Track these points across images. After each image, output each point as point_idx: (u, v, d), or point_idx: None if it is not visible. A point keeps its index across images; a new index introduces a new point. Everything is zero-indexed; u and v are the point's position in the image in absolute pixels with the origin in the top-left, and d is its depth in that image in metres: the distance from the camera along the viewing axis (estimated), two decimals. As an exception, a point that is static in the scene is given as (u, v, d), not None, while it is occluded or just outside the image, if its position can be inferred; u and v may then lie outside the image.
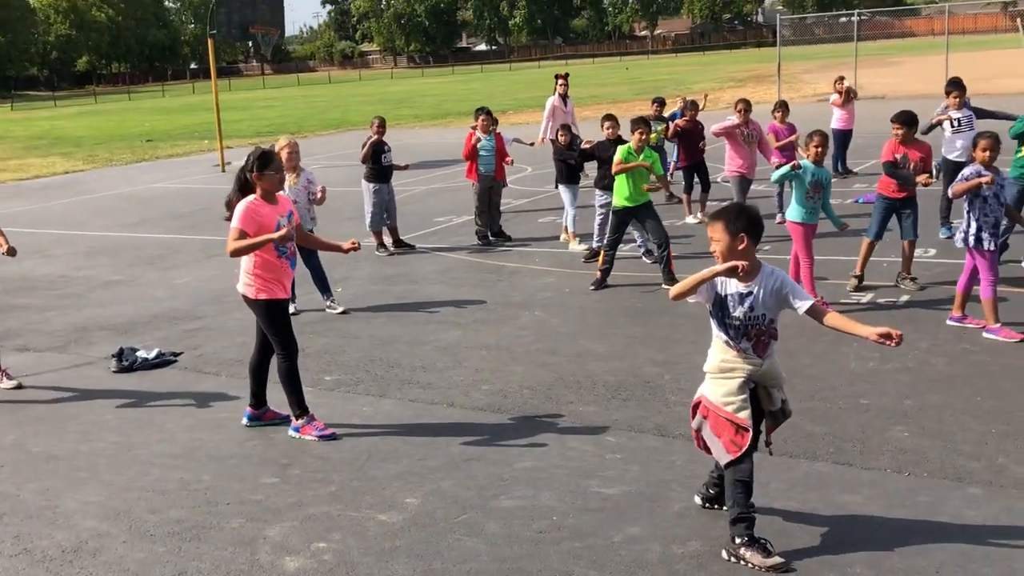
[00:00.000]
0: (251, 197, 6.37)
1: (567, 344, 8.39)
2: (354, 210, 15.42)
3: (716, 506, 5.14)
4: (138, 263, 13.20)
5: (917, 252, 10.53)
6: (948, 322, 8.20)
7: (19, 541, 5.29)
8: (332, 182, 17.67)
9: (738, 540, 4.63)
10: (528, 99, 45.10)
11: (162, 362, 8.48)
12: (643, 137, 10.16)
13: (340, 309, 9.86)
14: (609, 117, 11.48)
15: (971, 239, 7.90)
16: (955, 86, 11.47)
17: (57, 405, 7.57)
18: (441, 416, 6.87)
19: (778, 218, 12.27)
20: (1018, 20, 36.82)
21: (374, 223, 12.68)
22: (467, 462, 6.02)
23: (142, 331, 9.61)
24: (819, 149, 8.99)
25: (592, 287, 10.19)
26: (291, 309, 7.95)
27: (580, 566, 4.70)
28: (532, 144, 15.07)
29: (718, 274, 4.61)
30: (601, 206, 11.36)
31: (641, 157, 10.08)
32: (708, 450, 4.97)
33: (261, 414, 6.80)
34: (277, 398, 6.91)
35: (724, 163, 12.76)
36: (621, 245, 10.61)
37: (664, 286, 9.83)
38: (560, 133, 12.74)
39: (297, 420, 6.56)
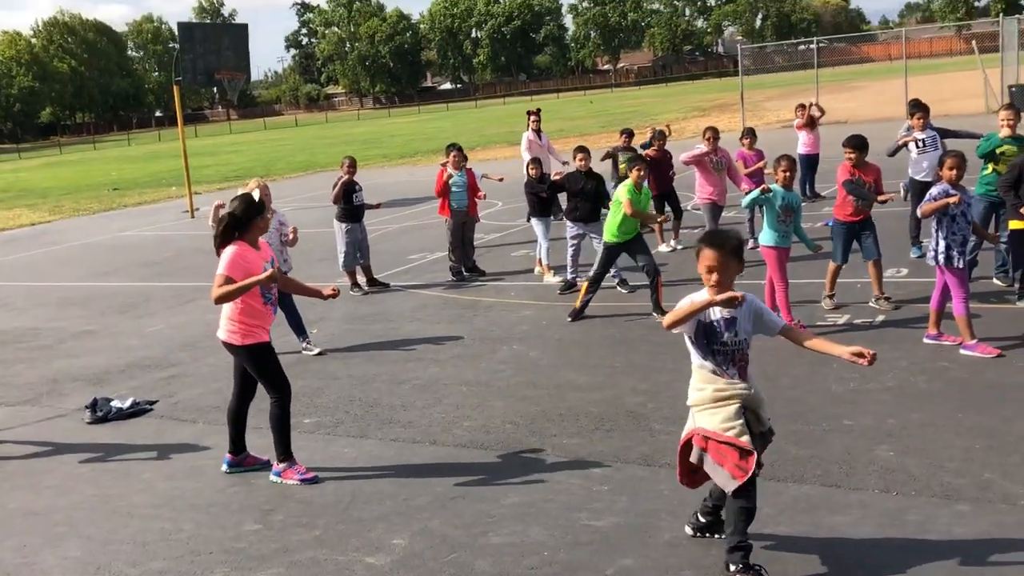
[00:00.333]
0: (236, 244, 6.30)
1: (547, 377, 8.35)
2: (326, 251, 15.36)
3: (708, 535, 5.10)
4: (109, 312, 13.05)
5: (890, 272, 10.65)
6: (925, 340, 8.25)
7: (-4, 601, 5.15)
8: (303, 224, 17.60)
9: (733, 567, 4.59)
10: (496, 135, 45.35)
11: (137, 411, 8.34)
12: (641, 174, 10.21)
13: (316, 351, 9.77)
14: (581, 149, 11.55)
15: (941, 257, 7.97)
16: (919, 108, 11.64)
17: (31, 460, 7.42)
18: (424, 454, 6.79)
19: (750, 243, 12.34)
20: (973, 42, 37.55)
21: (347, 263, 12.63)
22: (453, 500, 5.94)
23: (116, 380, 9.47)
24: (787, 173, 9.07)
25: (569, 318, 10.17)
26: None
27: (573, 601, 4.63)
28: (501, 179, 15.11)
29: (715, 304, 4.57)
30: (572, 238, 11.38)
31: (641, 194, 10.14)
32: (693, 484, 4.96)
33: (241, 460, 6.70)
34: (257, 443, 6.82)
35: (695, 191, 12.85)
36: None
37: (654, 315, 9.85)
38: (531, 166, 12.79)
39: (279, 464, 6.46)
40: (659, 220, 11.64)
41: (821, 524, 5.21)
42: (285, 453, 6.46)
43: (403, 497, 6.04)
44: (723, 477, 4.63)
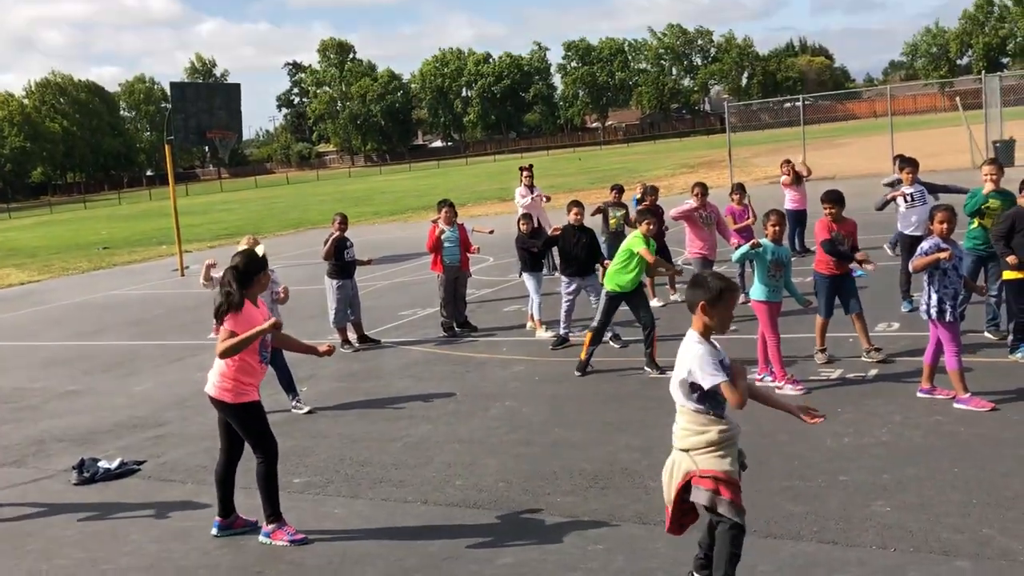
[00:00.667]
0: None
1: (541, 434, 8.28)
2: (316, 308, 15.30)
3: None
4: (96, 372, 12.94)
5: (881, 326, 10.66)
6: (918, 394, 8.22)
7: (-24, 670, 5.01)
8: (294, 280, 17.57)
9: None
10: (487, 191, 45.62)
11: (125, 472, 8.22)
12: (651, 227, 10.28)
13: (306, 409, 9.68)
14: (575, 204, 11.61)
15: (933, 311, 7.97)
16: (908, 162, 11.75)
17: (16, 522, 7.28)
18: (416, 514, 6.69)
19: (741, 298, 12.34)
20: (957, 99, 38.13)
21: (338, 320, 12.57)
22: (446, 561, 5.84)
23: (103, 441, 9.35)
24: (776, 228, 9.11)
25: (578, 373, 10.13)
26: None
27: (569, 664, 4.53)
28: (491, 232, 15.15)
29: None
30: (568, 293, 11.37)
31: (649, 245, 10.20)
32: (680, 531, 4.93)
33: (231, 522, 6.58)
34: (245, 503, 6.71)
35: (685, 246, 12.88)
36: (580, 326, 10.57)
37: (647, 370, 9.81)
38: (522, 222, 12.82)
39: (268, 525, 6.35)
40: (676, 271, 11.75)
41: (820, 582, 5.13)
42: (274, 513, 6.35)
43: (394, 558, 5.94)
44: (735, 511, 4.71)
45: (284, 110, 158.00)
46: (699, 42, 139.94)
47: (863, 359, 9.49)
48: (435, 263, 12.97)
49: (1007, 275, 9.05)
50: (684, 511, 4.88)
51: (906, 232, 11.58)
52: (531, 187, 17.01)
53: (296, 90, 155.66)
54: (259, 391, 6.44)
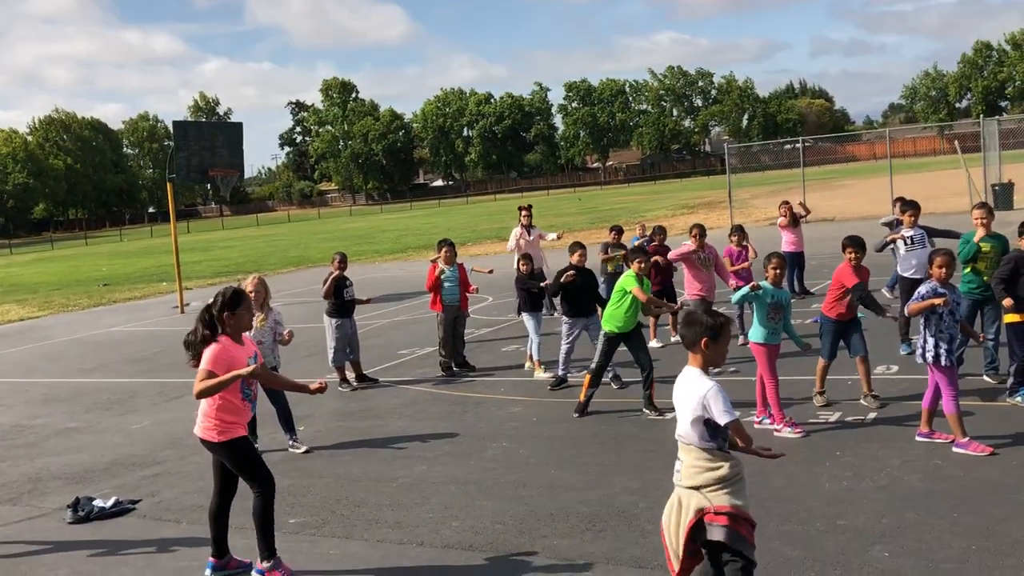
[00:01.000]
0: (219, 339, 6.25)
1: (538, 475, 8.24)
2: (315, 345, 15.30)
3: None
4: (95, 409, 12.90)
5: (879, 369, 10.64)
6: (917, 438, 8.19)
7: None
8: (293, 319, 17.57)
9: None
10: (487, 231, 45.76)
11: (120, 511, 8.18)
12: (643, 266, 10.34)
13: (303, 448, 9.65)
14: (579, 245, 11.64)
15: (929, 355, 7.97)
16: (910, 206, 11.79)
17: (8, 561, 7.23)
18: (411, 556, 6.64)
19: (740, 340, 12.35)
20: (955, 142, 38.37)
21: (336, 359, 12.56)
22: (440, 604, 5.79)
23: (99, 479, 9.31)
24: (777, 271, 9.12)
25: (576, 414, 10.10)
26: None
27: None
28: (491, 272, 15.19)
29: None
30: (568, 335, 11.34)
31: (643, 284, 10.23)
32: (685, 573, 4.84)
33: (225, 563, 6.53)
34: (239, 544, 6.66)
35: (683, 287, 12.91)
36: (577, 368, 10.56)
37: (645, 411, 9.79)
38: (521, 262, 12.85)
39: (263, 563, 6.30)
40: (674, 309, 11.75)
41: (817, 629, 5.08)
42: (269, 550, 6.30)
43: (389, 601, 5.88)
44: (751, 550, 4.74)
45: (286, 148, 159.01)
46: (700, 83, 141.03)
47: (861, 402, 9.47)
48: (434, 302, 12.99)
49: (1008, 318, 9.05)
50: (691, 552, 4.84)
51: (905, 275, 11.60)
52: (529, 227, 17.08)
53: (299, 129, 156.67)
54: (245, 428, 6.40)
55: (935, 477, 7.33)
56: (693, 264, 12.40)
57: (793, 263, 16.84)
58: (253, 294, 9.09)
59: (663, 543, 4.95)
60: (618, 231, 15.61)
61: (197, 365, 6.20)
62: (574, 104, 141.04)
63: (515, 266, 13.21)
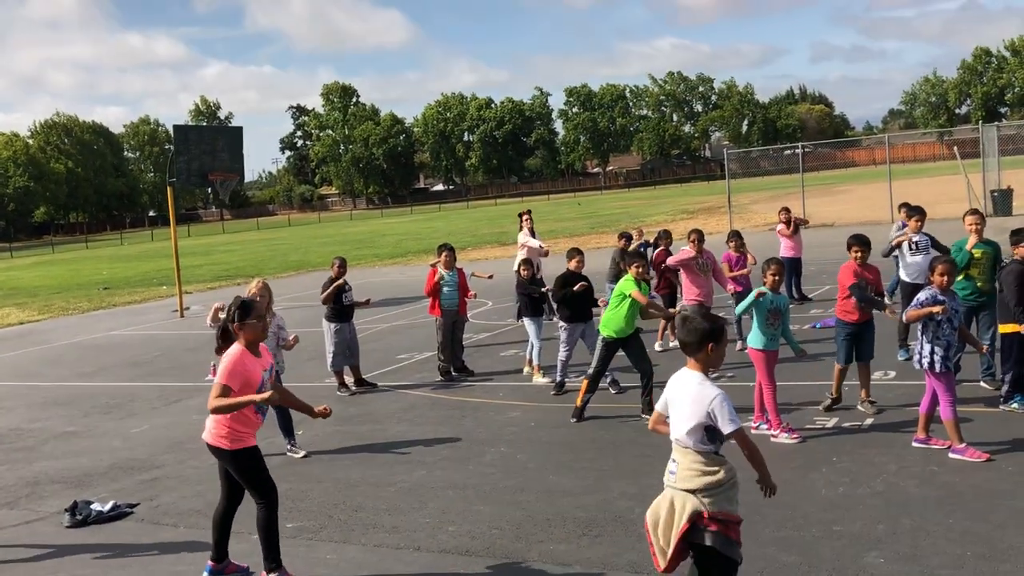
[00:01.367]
0: (236, 349, 6.25)
1: (535, 480, 8.26)
2: (316, 350, 15.32)
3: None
4: (94, 413, 12.92)
5: (877, 375, 10.65)
6: (914, 444, 8.21)
7: None
8: (293, 323, 17.59)
9: None
10: (488, 235, 45.80)
11: (118, 515, 8.20)
12: (640, 270, 10.36)
13: (302, 453, 9.66)
14: (577, 251, 11.66)
15: (925, 362, 7.98)
16: (916, 211, 11.79)
17: (5, 565, 7.24)
18: (408, 561, 6.66)
19: (739, 345, 12.37)
20: (955, 148, 38.44)
21: (335, 363, 12.58)
22: (436, 608, 5.81)
23: (98, 483, 9.33)
24: (776, 277, 9.14)
25: (573, 419, 10.12)
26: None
27: None
28: (491, 277, 15.22)
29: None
30: (566, 342, 11.35)
31: (641, 288, 10.26)
32: (672, 568, 4.87)
33: (223, 568, 6.54)
34: (236, 548, 6.68)
35: (681, 293, 12.91)
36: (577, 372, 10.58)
37: (644, 416, 9.79)
38: (523, 267, 12.87)
39: (268, 573, 6.29)
40: (671, 314, 11.71)
41: (812, 634, 5.10)
42: (274, 560, 6.30)
43: (386, 605, 5.90)
44: (737, 553, 4.78)
45: (287, 153, 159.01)
46: (700, 89, 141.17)
47: (858, 408, 9.49)
48: (433, 307, 13.01)
49: (1003, 328, 9.07)
50: (680, 549, 4.86)
51: (907, 280, 11.60)
52: (532, 231, 17.12)
53: (299, 133, 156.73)
54: (255, 437, 6.43)
55: (931, 483, 7.34)
56: (691, 270, 12.41)
57: (791, 269, 16.86)
58: (258, 299, 9.10)
59: (648, 540, 4.96)
60: (627, 238, 15.53)
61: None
62: (575, 109, 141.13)
63: (516, 270, 13.23)
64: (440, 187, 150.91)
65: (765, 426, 8.97)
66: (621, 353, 10.35)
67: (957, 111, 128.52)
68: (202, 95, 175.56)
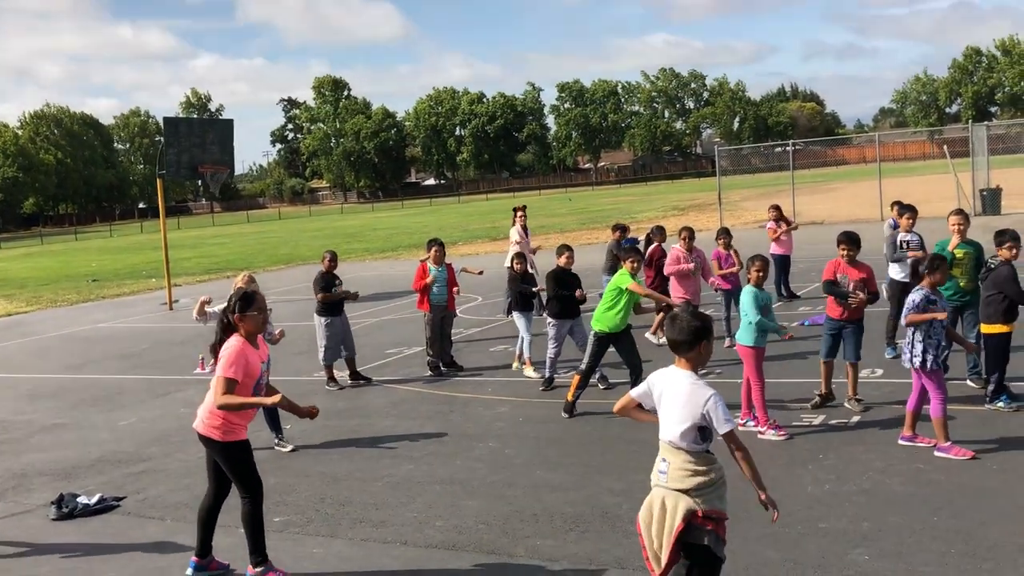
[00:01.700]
0: (236, 340, 6.24)
1: (523, 475, 8.27)
2: (306, 344, 15.33)
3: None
4: (82, 405, 12.89)
5: (864, 373, 10.68)
6: (900, 442, 8.24)
7: None
8: (282, 317, 17.59)
9: None
10: (478, 230, 45.78)
11: (104, 508, 8.18)
12: (635, 265, 10.38)
13: (290, 447, 9.66)
14: (567, 248, 11.68)
15: (916, 361, 8.02)
16: (908, 209, 11.82)
17: (-9, 557, 7.22)
18: (394, 555, 6.67)
19: (727, 342, 12.40)
20: (945, 147, 38.61)
21: (327, 357, 12.54)
22: (423, 603, 5.81)
23: (85, 475, 9.30)
24: (760, 273, 9.19)
25: (565, 414, 10.13)
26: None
27: None
28: (480, 273, 15.22)
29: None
30: (555, 338, 11.36)
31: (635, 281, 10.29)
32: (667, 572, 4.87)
33: (207, 564, 6.52)
34: (222, 542, 6.67)
35: (669, 291, 12.91)
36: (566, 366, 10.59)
37: None
38: (516, 261, 12.88)
39: (255, 568, 6.28)
40: (668, 301, 11.69)
41: (796, 631, 5.12)
42: (260, 554, 6.29)
43: (372, 600, 5.91)
44: (722, 549, 4.81)
45: (278, 145, 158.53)
46: (692, 86, 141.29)
47: (845, 405, 9.52)
48: (421, 302, 13.00)
49: (985, 329, 9.12)
50: (675, 551, 4.85)
51: (896, 278, 11.63)
52: (526, 227, 17.13)
53: (290, 126, 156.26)
54: (247, 429, 6.41)
55: (917, 481, 7.38)
56: (684, 272, 12.45)
57: (780, 267, 16.90)
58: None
59: (641, 544, 4.96)
60: (622, 229, 15.49)
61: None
62: (566, 105, 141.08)
63: (508, 264, 13.21)
64: (431, 181, 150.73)
65: (752, 423, 9.00)
66: (611, 349, 10.37)
67: (947, 110, 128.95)
68: (193, 87, 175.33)
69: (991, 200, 31.32)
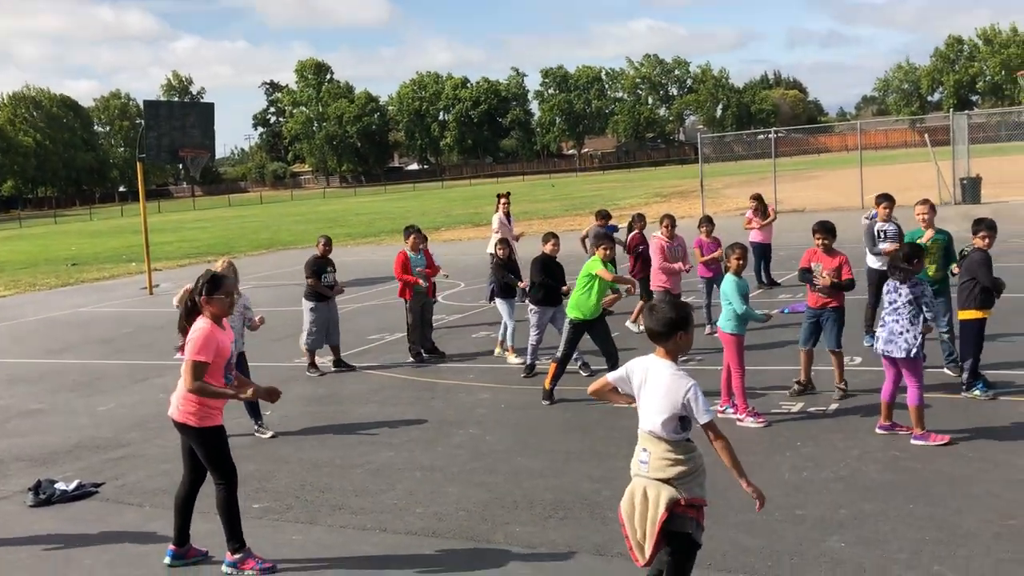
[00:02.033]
0: (204, 323, 6.20)
1: (503, 462, 8.29)
2: (285, 329, 15.28)
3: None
4: (61, 390, 12.81)
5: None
6: (877, 430, 8.30)
7: None
8: (262, 303, 17.53)
9: None
10: (461, 216, 45.70)
11: (82, 494, 8.14)
12: (608, 252, 10.39)
13: (269, 434, 9.63)
14: (553, 235, 11.68)
15: (914, 351, 8.05)
16: (885, 199, 11.86)
17: (-32, 544, 7.18)
18: (374, 542, 6.67)
19: (707, 330, 12.45)
20: (926, 136, 38.79)
21: (311, 343, 12.48)
22: (401, 590, 5.82)
23: (63, 461, 9.26)
24: (740, 261, 9.23)
25: (546, 402, 10.14)
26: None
27: None
28: (447, 276, 14.89)
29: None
30: (537, 325, 11.37)
31: (606, 269, 10.29)
32: (651, 561, 4.88)
33: (184, 552, 6.49)
34: (201, 527, 6.66)
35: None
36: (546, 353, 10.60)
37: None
38: (499, 247, 12.86)
39: (233, 555, 6.27)
40: (629, 285, 11.69)
41: (772, 617, 5.17)
42: (238, 541, 6.27)
43: (350, 586, 5.91)
44: (701, 535, 4.84)
45: (260, 129, 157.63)
46: (675, 72, 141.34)
47: (833, 391, 9.55)
48: (403, 290, 12.97)
49: (961, 315, 9.19)
50: (659, 540, 4.87)
51: (874, 267, 11.69)
52: (508, 215, 17.11)
53: (272, 109, 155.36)
54: (222, 415, 6.39)
55: (893, 468, 7.44)
56: (664, 257, 12.46)
57: (759, 254, 16.96)
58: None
59: (624, 534, 4.98)
60: (605, 216, 15.46)
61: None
62: (550, 90, 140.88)
63: (491, 251, 13.19)
64: (414, 166, 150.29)
65: (731, 410, 9.04)
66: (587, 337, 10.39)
67: (929, 98, 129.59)
68: (174, 70, 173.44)
69: (971, 189, 31.52)
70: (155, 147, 22.86)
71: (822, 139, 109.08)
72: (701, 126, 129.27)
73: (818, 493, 7.00)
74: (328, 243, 12.79)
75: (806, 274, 9.48)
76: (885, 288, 8.41)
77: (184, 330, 6.30)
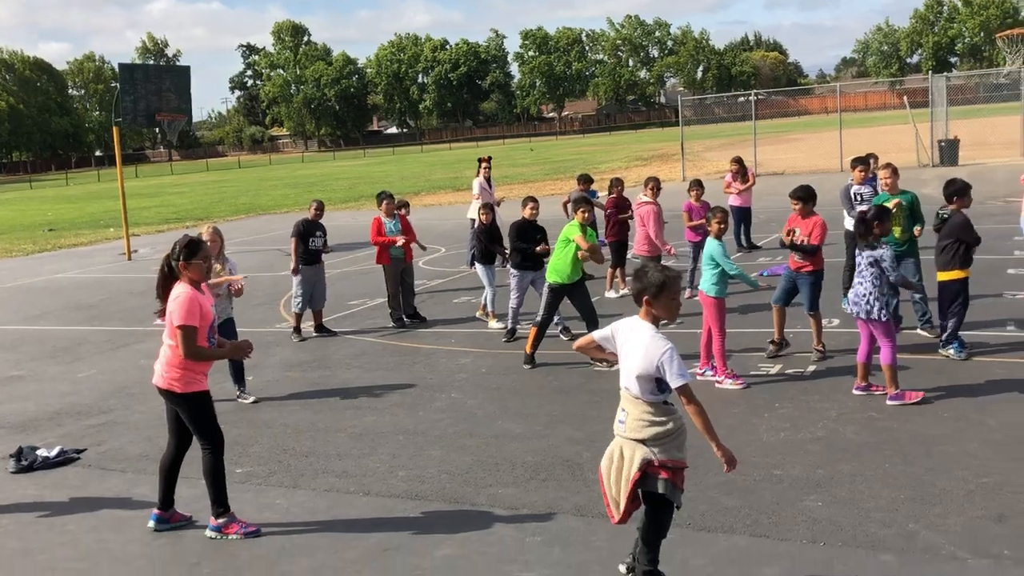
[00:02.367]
0: (186, 288, 6.16)
1: (485, 425, 8.35)
2: (265, 295, 15.25)
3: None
4: (40, 357, 12.76)
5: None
6: (854, 391, 8.41)
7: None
8: (242, 268, 17.41)
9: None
10: (441, 180, 45.51)
11: (64, 460, 8.14)
12: (587, 216, 10.39)
13: (252, 399, 9.65)
14: (532, 199, 11.67)
15: (876, 312, 8.14)
16: (861, 162, 11.91)
17: (-50, 511, 7.18)
18: (357, 506, 6.72)
19: (687, 292, 12.51)
20: (904, 98, 38.88)
21: (298, 307, 12.45)
22: (385, 552, 5.89)
23: (44, 428, 9.25)
24: (721, 225, 9.28)
25: (528, 366, 10.18)
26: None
27: (503, 655, 4.60)
28: (424, 248, 14.79)
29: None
30: (516, 288, 11.40)
31: (586, 235, 10.29)
32: (626, 520, 4.95)
33: (169, 516, 6.52)
34: (186, 493, 6.69)
35: (632, 241, 12.98)
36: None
37: (591, 362, 9.84)
38: (482, 212, 12.86)
39: (218, 519, 6.30)
40: (604, 259, 11.70)
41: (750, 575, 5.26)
42: (222, 505, 6.30)
43: (333, 550, 5.97)
44: (678, 495, 4.89)
45: (237, 92, 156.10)
46: (656, 34, 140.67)
47: (808, 353, 9.66)
48: (380, 256, 12.95)
49: (941, 276, 9.28)
50: (632, 499, 4.96)
51: (851, 230, 11.74)
52: (489, 179, 17.06)
53: (249, 72, 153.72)
54: (207, 380, 6.39)
55: (870, 429, 7.55)
56: (654, 222, 12.49)
57: (741, 218, 17.02)
58: (210, 244, 9.00)
59: (602, 491, 5.05)
60: (587, 180, 15.42)
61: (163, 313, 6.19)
62: (530, 52, 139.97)
63: (473, 215, 13.16)
64: (394, 130, 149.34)
65: (710, 372, 9.13)
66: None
67: (909, 60, 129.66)
68: (149, 32, 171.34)
69: (949, 151, 31.66)
70: (131, 111, 22.62)
71: (802, 101, 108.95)
72: (681, 88, 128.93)
73: (795, 454, 7.10)
74: (320, 207, 12.82)
75: (784, 242, 9.57)
76: (856, 251, 8.50)
77: (163, 297, 6.28)
